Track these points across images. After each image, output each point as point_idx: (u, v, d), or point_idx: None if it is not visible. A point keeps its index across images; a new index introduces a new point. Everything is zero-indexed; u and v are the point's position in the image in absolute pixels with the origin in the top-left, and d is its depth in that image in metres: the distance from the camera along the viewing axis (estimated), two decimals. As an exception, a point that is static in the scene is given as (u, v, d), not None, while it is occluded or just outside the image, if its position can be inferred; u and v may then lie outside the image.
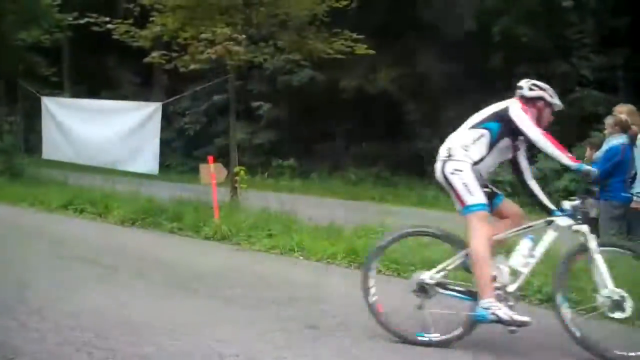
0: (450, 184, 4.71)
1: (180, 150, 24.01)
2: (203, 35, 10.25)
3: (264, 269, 6.96)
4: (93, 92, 25.14)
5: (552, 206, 4.70)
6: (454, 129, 5.17)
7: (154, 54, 10.83)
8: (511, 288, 4.49)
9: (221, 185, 10.73)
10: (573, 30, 16.84)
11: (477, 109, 5.18)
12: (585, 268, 4.68)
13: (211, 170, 9.28)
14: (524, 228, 4.71)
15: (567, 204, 4.56)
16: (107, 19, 11.04)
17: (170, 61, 10.80)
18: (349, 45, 11.02)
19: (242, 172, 9.98)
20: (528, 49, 17.17)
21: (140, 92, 25.84)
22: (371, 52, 11.38)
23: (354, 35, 11.00)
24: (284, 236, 8.10)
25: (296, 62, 13.66)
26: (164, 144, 21.49)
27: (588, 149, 7.82)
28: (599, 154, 6.94)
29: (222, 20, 10.49)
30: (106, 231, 9.26)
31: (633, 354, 4.21)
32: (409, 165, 19.68)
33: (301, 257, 7.55)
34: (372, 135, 20.80)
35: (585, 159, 7.77)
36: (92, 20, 11.09)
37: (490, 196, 4.83)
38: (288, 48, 11.75)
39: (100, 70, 26.49)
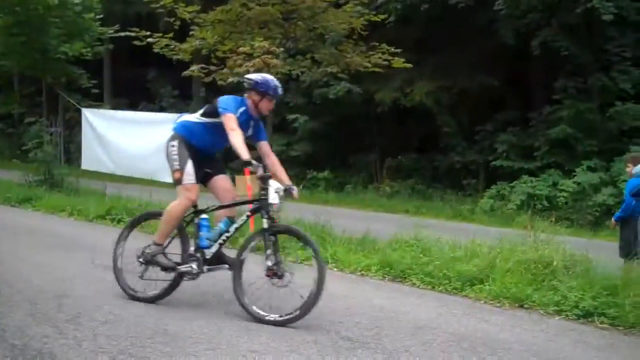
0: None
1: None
2: (241, 49, 10.35)
3: (298, 281, 6.95)
4: (132, 104, 25.58)
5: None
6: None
7: (193, 67, 10.99)
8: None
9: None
10: (613, 44, 16.63)
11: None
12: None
13: (247, 182, 9.34)
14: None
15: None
16: (148, 32, 11.22)
17: (209, 74, 10.92)
18: (386, 59, 11.03)
19: (277, 185, 10.01)
20: (568, 62, 17.02)
21: (179, 104, 26.15)
22: (408, 65, 11.38)
23: (392, 49, 11.01)
24: (319, 248, 8.09)
25: (333, 75, 13.73)
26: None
27: (630, 165, 7.66)
28: (638, 168, 6.82)
29: (261, 34, 10.61)
30: (142, 242, 9.30)
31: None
32: (444, 178, 19.63)
33: (335, 269, 7.54)
34: (407, 148, 20.78)
35: (628, 175, 7.65)
36: (133, 34, 11.26)
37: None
38: (325, 61, 11.81)
39: (139, 83, 26.88)
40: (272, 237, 5.29)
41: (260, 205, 5.38)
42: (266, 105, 5.64)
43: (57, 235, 9.50)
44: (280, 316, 5.11)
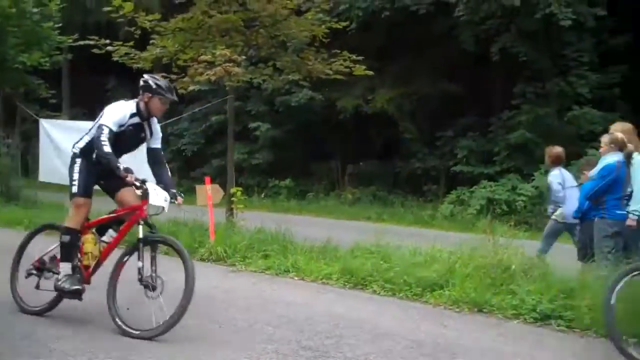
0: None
1: (178, 171, 24.07)
2: (202, 57, 10.27)
3: (259, 291, 6.93)
4: (91, 114, 25.16)
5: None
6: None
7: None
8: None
9: (218, 206, 10.72)
10: (571, 49, 16.93)
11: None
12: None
13: (208, 191, 9.28)
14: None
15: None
16: (108, 41, 11.07)
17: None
18: (348, 66, 11.04)
19: (238, 193, 9.96)
20: (526, 68, 17.28)
21: (138, 113, 25.84)
22: (370, 72, 11.40)
23: (353, 57, 11.02)
24: (279, 257, 8.09)
25: (295, 83, 13.69)
26: (163, 164, 21.55)
27: (583, 172, 7.74)
28: (594, 171, 6.91)
29: (223, 42, 10.53)
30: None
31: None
32: (405, 184, 19.77)
33: (296, 278, 7.53)
34: (369, 154, 20.88)
35: (580, 181, 7.76)
36: (92, 42, 11.09)
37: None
38: (287, 69, 11.78)
39: (99, 92, 26.52)
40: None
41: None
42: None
43: (12, 250, 9.28)
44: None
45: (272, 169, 21.58)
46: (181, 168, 24.21)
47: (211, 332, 5.23)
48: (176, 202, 5.41)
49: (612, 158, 6.68)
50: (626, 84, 17.03)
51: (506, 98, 18.01)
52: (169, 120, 17.22)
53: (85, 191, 5.47)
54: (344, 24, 11.89)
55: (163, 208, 5.24)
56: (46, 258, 5.67)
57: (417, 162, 19.41)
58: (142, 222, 5.19)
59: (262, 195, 16.94)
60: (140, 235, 5.16)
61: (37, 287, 5.60)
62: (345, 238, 8.88)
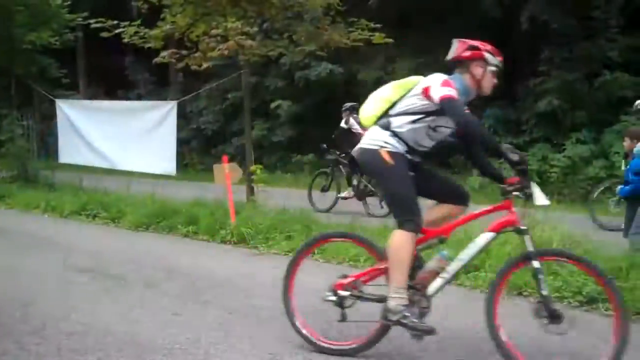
0: None
1: (199, 149, 23.82)
2: (214, 31, 9.86)
3: (281, 275, 6.56)
4: (109, 93, 25.06)
5: None
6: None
7: (164, 53, 10.45)
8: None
9: (239, 184, 10.40)
10: (599, 11, 16.24)
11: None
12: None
13: (225, 170, 8.92)
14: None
15: None
16: (115, 22, 10.66)
17: (181, 59, 10.42)
18: (367, 35, 10.57)
19: (258, 171, 9.60)
20: (553, 33, 16.62)
21: (157, 91, 25.69)
22: (389, 40, 10.91)
23: (372, 25, 10.55)
24: (302, 237, 7.70)
25: (313, 55, 13.22)
26: (183, 143, 21.34)
27: (627, 140, 7.34)
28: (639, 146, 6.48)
29: (234, 14, 10.10)
30: (118, 237, 8.94)
31: None
32: (431, 155, 19.26)
33: (321, 260, 7.14)
34: (393, 127, 20.39)
35: (626, 150, 7.34)
36: (99, 25, 10.68)
37: None
38: (304, 40, 11.33)
39: (115, 70, 26.32)
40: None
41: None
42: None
43: (29, 235, 9.08)
44: None
45: (294, 145, 21.17)
46: (202, 147, 23.93)
47: (232, 324, 4.86)
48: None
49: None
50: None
51: (533, 64, 17.40)
52: (186, 97, 16.91)
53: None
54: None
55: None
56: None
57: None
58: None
59: (286, 174, 16.57)
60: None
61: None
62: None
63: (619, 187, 7.71)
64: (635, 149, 6.70)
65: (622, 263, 5.61)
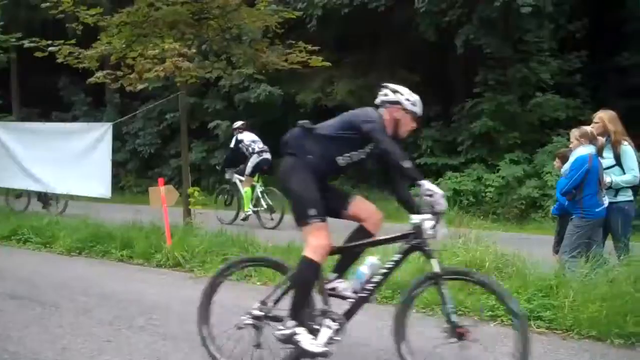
0: None
1: (135, 171, 23.47)
2: (150, 52, 9.73)
3: (218, 299, 6.46)
4: (44, 114, 24.46)
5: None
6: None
7: (98, 74, 10.26)
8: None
9: (176, 207, 10.26)
10: (531, 35, 16.73)
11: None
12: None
13: (161, 193, 8.79)
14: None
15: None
16: (49, 42, 10.43)
17: (116, 80, 10.25)
18: (304, 57, 10.61)
19: (195, 193, 9.49)
20: (487, 57, 17.02)
21: (92, 112, 25.26)
22: (327, 64, 10.97)
23: (309, 47, 10.60)
24: (240, 260, 7.65)
25: (252, 78, 13.19)
26: (119, 165, 21.00)
27: (557, 160, 7.58)
28: (566, 167, 6.68)
29: (171, 36, 10.00)
30: (50, 263, 8.69)
31: None
32: (370, 177, 19.41)
33: (258, 283, 7.09)
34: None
35: (556, 168, 7.59)
36: (33, 45, 10.43)
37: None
38: (241, 62, 11.31)
39: (50, 91, 25.75)
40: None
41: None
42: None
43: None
44: None
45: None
46: (139, 169, 23.59)
47: (166, 350, 4.77)
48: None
49: (583, 151, 6.47)
50: (585, 69, 16.95)
51: (468, 86, 17.77)
52: (123, 119, 16.67)
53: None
54: (297, 13, 11.45)
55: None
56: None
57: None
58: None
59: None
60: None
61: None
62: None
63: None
64: (562, 169, 6.90)
65: (552, 281, 5.72)
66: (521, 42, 16.94)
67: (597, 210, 6.37)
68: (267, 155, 12.64)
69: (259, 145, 12.86)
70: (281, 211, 11.95)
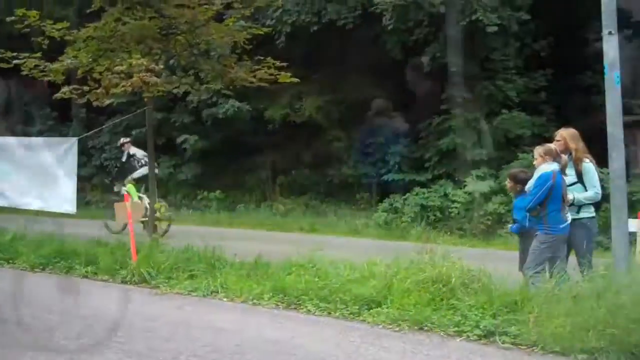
0: None
1: (101, 186, 23.20)
2: (117, 67, 9.67)
3: (184, 315, 6.43)
4: (8, 129, 24.06)
5: None
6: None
7: (64, 89, 10.17)
8: None
9: (143, 222, 10.17)
10: (497, 53, 16.96)
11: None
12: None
13: (127, 209, 8.72)
14: None
15: None
16: (14, 54, 10.32)
17: (83, 95, 10.16)
18: (273, 74, 10.63)
19: (162, 209, 9.43)
20: (454, 74, 17.18)
21: (58, 127, 24.94)
22: (295, 80, 11.01)
23: (277, 63, 10.63)
24: (206, 276, 7.61)
25: (221, 93, 13.14)
26: (84, 180, 20.72)
27: (508, 180, 7.55)
28: (530, 184, 6.74)
29: (139, 51, 9.96)
30: (13, 279, 8.54)
31: None
32: (337, 193, 19.47)
33: (225, 299, 7.05)
34: (300, 164, 20.51)
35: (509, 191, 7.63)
36: (-1, 56, 10.31)
37: None
38: (209, 78, 11.28)
39: (15, 105, 25.40)
40: None
41: None
42: None
43: None
44: None
45: (201, 182, 20.93)
46: (104, 183, 23.31)
47: None
48: None
49: (547, 168, 6.55)
50: (550, 87, 17.22)
51: (435, 103, 17.91)
52: (88, 134, 16.49)
53: None
54: (266, 30, 11.49)
55: None
56: None
57: (349, 171, 19.15)
58: None
59: (190, 211, 16.40)
60: None
61: None
62: (277, 251, 8.47)
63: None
64: (526, 187, 6.93)
65: (517, 297, 5.77)
66: (487, 60, 17.14)
67: (561, 226, 6.44)
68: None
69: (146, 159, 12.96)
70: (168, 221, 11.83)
